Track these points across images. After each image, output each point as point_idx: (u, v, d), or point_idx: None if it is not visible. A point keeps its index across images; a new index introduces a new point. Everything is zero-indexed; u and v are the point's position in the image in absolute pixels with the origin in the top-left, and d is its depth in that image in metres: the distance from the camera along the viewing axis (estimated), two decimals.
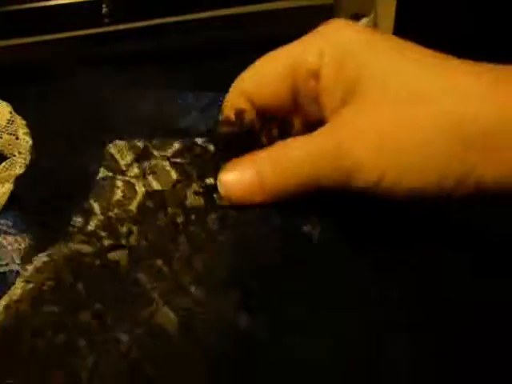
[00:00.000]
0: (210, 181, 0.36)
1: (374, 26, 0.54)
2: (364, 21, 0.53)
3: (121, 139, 0.42)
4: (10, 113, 0.47)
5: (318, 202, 0.34)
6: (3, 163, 0.46)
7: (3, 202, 0.46)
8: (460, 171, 0.30)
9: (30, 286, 0.34)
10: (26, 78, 0.40)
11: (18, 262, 0.42)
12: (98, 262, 0.34)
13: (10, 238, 0.43)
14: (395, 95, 0.31)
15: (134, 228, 0.35)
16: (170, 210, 0.35)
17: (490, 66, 0.31)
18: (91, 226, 0.37)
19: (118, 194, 0.38)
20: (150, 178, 0.38)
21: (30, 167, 0.46)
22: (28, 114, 0.46)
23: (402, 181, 0.31)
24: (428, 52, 0.33)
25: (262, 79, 0.36)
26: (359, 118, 0.32)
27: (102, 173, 0.41)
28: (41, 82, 0.38)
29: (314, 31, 0.34)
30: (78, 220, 0.38)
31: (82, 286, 0.33)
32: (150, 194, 0.37)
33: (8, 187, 0.46)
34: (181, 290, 0.32)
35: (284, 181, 0.33)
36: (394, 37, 0.33)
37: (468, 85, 0.30)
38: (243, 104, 0.36)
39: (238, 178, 0.34)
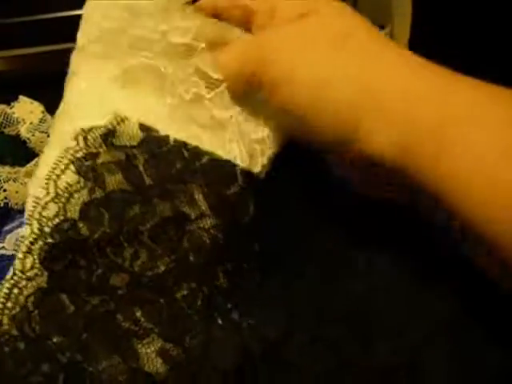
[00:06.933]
0: None
1: (391, 37, 0.56)
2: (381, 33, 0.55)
3: None
4: (42, 112, 0.50)
5: None
6: (35, 159, 0.49)
7: None
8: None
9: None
10: (56, 82, 0.43)
11: None
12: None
13: None
14: None
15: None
16: None
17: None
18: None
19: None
20: None
21: None
22: None
23: (311, 76, 0.33)
24: None
25: None
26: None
27: None
28: None
29: None
30: None
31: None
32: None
33: None
34: None
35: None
36: None
37: None
38: None
39: None
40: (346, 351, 0.34)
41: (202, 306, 0.32)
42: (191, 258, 0.32)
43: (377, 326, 0.35)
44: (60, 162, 0.33)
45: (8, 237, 0.47)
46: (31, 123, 0.49)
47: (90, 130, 0.33)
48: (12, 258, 0.46)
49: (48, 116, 0.50)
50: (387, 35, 0.55)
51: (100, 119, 0.34)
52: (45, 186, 0.32)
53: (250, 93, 0.36)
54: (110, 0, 0.35)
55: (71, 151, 0.33)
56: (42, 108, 0.50)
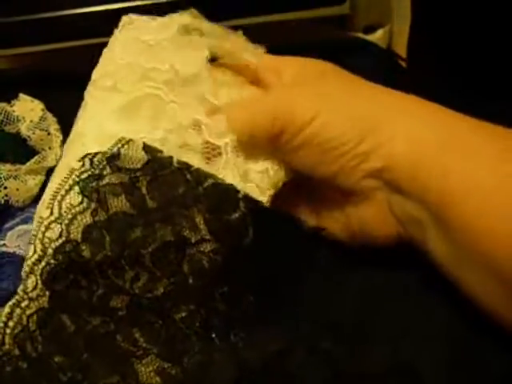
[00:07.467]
0: None
1: (390, 37, 0.56)
2: (380, 31, 0.54)
3: None
4: (42, 110, 0.50)
5: None
6: (36, 157, 0.50)
7: (35, 193, 0.50)
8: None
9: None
10: (56, 80, 0.43)
11: None
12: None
13: None
14: None
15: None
16: None
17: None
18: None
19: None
20: None
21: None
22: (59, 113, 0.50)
23: (330, 122, 0.36)
24: None
25: None
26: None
27: None
28: (70, 84, 0.41)
29: None
30: None
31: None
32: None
33: (40, 179, 0.50)
34: None
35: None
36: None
37: None
38: None
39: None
40: (343, 361, 0.35)
41: (200, 327, 0.33)
42: (190, 281, 0.32)
43: (373, 335, 0.36)
44: (65, 182, 0.33)
45: (9, 234, 0.48)
46: (31, 121, 0.50)
47: (97, 153, 0.34)
48: (13, 255, 0.47)
49: (48, 114, 0.50)
50: (386, 34, 0.55)
51: (97, 148, 0.34)
52: (49, 206, 0.33)
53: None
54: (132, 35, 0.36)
55: (76, 172, 0.33)
56: (42, 106, 0.50)
